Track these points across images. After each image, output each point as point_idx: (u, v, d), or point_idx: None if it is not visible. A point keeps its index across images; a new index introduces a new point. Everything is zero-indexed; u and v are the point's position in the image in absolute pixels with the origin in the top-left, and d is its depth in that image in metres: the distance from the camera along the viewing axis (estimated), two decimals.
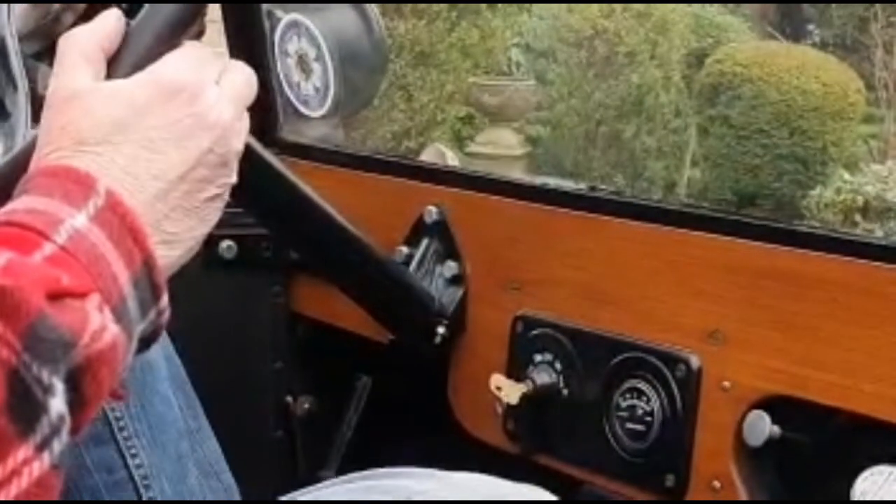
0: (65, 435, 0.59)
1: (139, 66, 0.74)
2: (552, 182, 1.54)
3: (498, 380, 1.23)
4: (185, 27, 0.78)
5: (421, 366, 1.37)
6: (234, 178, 0.75)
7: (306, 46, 1.53)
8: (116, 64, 0.75)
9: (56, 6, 1.07)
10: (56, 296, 0.60)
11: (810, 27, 8.27)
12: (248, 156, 0.97)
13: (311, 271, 1.50)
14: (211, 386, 1.40)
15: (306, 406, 1.59)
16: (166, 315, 0.69)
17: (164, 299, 0.68)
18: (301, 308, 1.56)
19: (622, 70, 7.37)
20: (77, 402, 0.60)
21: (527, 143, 7.92)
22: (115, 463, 1.09)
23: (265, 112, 1.56)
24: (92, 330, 0.61)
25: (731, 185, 6.96)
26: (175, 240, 0.71)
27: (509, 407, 1.23)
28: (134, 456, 1.10)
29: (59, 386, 0.59)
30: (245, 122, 0.77)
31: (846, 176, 6.70)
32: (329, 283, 1.33)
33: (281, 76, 1.56)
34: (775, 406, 1.06)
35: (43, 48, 0.94)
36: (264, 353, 1.58)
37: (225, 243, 1.51)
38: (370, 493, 0.86)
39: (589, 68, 7.39)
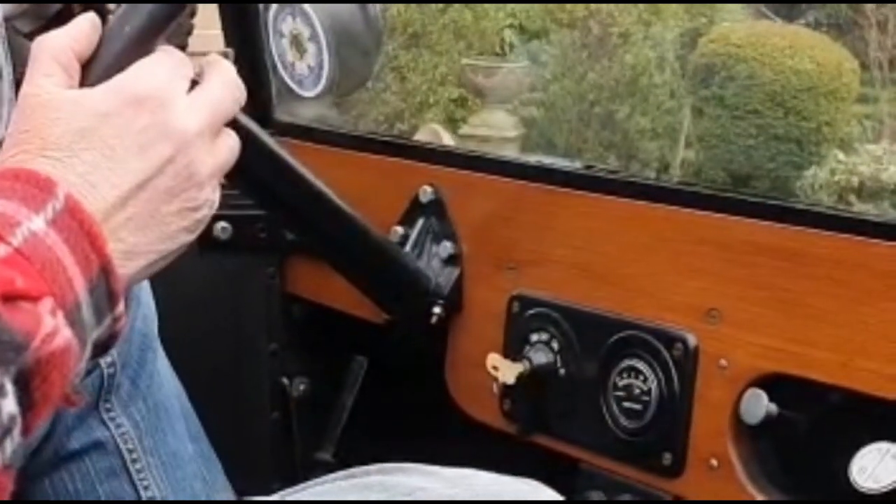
0: (17, 435, 0.59)
1: (113, 71, 0.74)
2: (548, 161, 1.53)
3: (494, 360, 1.22)
4: (159, 32, 0.77)
5: (417, 346, 1.37)
6: (205, 196, 0.73)
7: (300, 26, 1.53)
8: (90, 69, 0.74)
9: None
10: (9, 297, 0.60)
11: (804, 6, 8.25)
12: (243, 135, 0.97)
13: (306, 252, 1.49)
14: (206, 368, 1.40)
15: (302, 388, 1.59)
16: (123, 322, 0.69)
17: (121, 306, 0.68)
18: (296, 289, 1.56)
19: (616, 51, 7.35)
20: (27, 404, 0.60)
21: (520, 125, 7.90)
22: (128, 495, 1.09)
23: (259, 92, 1.55)
24: (44, 333, 0.61)
25: (726, 166, 6.95)
26: (133, 251, 0.70)
27: (506, 387, 1.23)
28: (146, 488, 1.11)
29: (9, 387, 0.59)
30: (224, 140, 0.75)
31: (841, 156, 6.70)
32: (324, 264, 1.32)
33: (275, 56, 1.55)
34: (772, 384, 1.06)
35: (36, 28, 0.94)
36: (259, 334, 1.57)
37: (220, 224, 1.50)
38: (368, 490, 0.85)
39: (582, 49, 7.37)
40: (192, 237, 0.74)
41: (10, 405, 0.59)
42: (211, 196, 0.74)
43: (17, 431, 0.59)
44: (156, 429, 1.13)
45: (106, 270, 0.66)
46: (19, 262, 0.62)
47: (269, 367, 1.58)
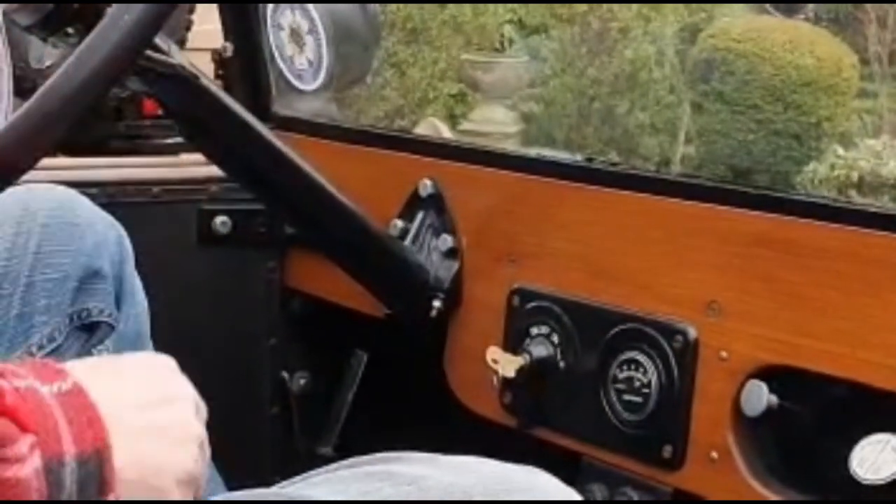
0: None
1: None
2: (548, 154, 1.53)
3: (494, 353, 1.22)
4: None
5: (417, 340, 1.37)
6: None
7: (299, 20, 1.52)
8: None
9: None
10: None
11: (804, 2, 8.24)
12: (242, 129, 0.97)
13: (305, 246, 1.49)
14: (206, 363, 1.39)
15: (302, 382, 1.59)
16: None
17: (111, 498, 0.65)
18: (296, 283, 1.56)
19: (616, 46, 7.34)
20: None
21: (520, 121, 7.89)
22: None
23: (258, 86, 1.55)
24: (12, 452, 0.60)
25: (725, 161, 6.95)
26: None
27: (506, 380, 1.23)
28: None
29: None
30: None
31: (840, 151, 6.68)
32: (324, 258, 1.32)
33: (274, 50, 1.55)
34: (773, 376, 1.06)
35: (36, 21, 0.93)
36: (259, 328, 1.57)
37: (219, 219, 1.50)
38: (370, 477, 0.84)
39: (582, 44, 7.36)
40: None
41: None
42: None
43: None
44: None
45: (101, 455, 0.64)
46: (13, 395, 0.62)
47: (269, 362, 1.58)
